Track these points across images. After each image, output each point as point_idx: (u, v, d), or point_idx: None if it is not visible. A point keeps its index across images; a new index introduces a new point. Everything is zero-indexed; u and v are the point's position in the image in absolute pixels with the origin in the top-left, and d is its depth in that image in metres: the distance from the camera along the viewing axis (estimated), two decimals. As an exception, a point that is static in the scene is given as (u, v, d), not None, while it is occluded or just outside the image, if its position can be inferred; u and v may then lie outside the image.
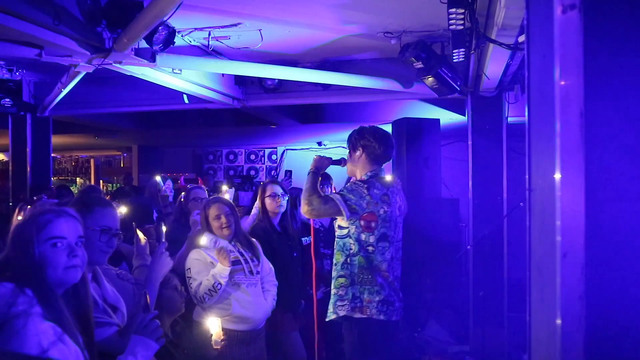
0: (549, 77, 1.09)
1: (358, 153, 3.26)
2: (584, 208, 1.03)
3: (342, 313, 3.13)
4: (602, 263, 1.03)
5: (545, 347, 1.10)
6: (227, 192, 4.82)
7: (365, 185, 3.16)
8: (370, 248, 3.13)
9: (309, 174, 3.28)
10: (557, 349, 1.02)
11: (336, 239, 3.22)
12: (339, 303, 3.13)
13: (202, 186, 4.90)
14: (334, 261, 3.22)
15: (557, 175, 1.06)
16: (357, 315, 3.12)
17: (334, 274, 3.20)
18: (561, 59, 1.03)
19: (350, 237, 3.14)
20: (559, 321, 1.01)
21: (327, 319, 3.22)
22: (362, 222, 3.11)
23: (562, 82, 1.04)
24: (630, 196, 1.06)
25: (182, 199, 4.28)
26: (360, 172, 3.29)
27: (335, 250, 3.23)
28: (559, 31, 1.02)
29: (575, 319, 1.00)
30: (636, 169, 1.06)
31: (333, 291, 3.18)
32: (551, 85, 1.07)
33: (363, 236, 3.12)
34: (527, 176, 1.36)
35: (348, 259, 3.14)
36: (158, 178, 5.18)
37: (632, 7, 1.02)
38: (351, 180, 3.34)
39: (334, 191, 4.70)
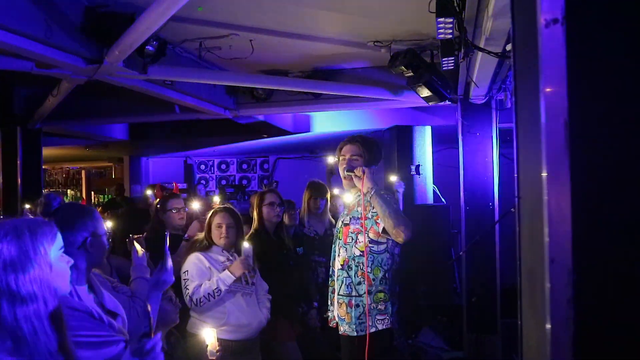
0: (534, 85, 1.12)
1: (375, 167, 3.27)
2: (570, 214, 1.06)
3: (381, 327, 3.08)
4: (590, 267, 1.06)
5: (536, 351, 1.13)
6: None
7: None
8: (398, 260, 3.16)
9: (374, 194, 3.05)
10: (547, 353, 1.05)
11: (368, 254, 3.09)
12: (379, 317, 3.09)
13: (178, 194, 4.86)
14: (371, 277, 3.09)
15: (544, 183, 1.09)
16: (396, 326, 3.13)
17: (369, 288, 3.08)
18: (545, 69, 1.07)
19: (388, 252, 3.10)
20: (548, 325, 1.04)
21: (370, 331, 3.06)
22: None
23: (547, 91, 1.08)
24: (615, 201, 1.09)
25: (157, 206, 4.19)
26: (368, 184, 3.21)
27: (369, 267, 3.09)
28: (542, 44, 1.06)
29: (563, 323, 1.03)
30: (620, 175, 1.09)
31: (371, 305, 3.08)
32: (536, 93, 1.11)
33: (396, 250, 3.13)
34: (515, 184, 1.39)
35: (386, 274, 3.09)
36: (149, 191, 5.16)
37: (612, 19, 1.06)
38: (371, 192, 3.15)
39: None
